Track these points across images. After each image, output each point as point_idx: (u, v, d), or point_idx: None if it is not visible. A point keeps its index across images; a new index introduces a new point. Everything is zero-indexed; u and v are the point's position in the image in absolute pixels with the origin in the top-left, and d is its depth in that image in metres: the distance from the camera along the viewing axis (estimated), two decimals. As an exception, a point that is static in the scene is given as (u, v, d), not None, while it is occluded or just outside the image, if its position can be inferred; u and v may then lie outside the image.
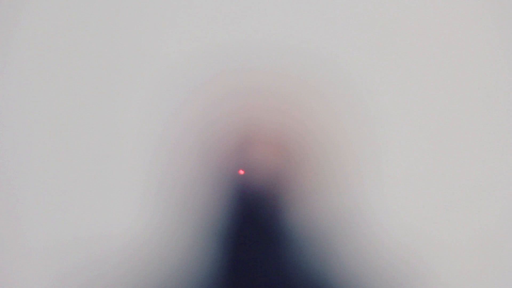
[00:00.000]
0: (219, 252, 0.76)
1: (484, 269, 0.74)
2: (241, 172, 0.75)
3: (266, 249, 0.75)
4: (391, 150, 0.76)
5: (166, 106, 0.80)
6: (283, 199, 0.75)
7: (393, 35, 0.75)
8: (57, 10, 0.82)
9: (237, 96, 0.77)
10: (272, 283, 0.75)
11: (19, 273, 0.82)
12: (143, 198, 0.79)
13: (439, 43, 0.74)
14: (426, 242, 0.75)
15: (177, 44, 0.79)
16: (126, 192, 0.80)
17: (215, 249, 0.76)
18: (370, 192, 0.76)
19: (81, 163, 0.82)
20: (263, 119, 0.76)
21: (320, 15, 0.76)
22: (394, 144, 0.75)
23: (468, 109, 0.74)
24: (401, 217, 0.76)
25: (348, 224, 0.76)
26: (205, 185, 0.77)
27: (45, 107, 0.83)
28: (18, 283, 0.81)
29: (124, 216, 0.80)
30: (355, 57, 0.76)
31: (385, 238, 0.75)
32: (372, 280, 0.75)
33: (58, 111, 0.82)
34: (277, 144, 0.75)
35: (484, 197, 0.74)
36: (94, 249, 0.80)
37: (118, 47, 0.80)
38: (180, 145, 0.79)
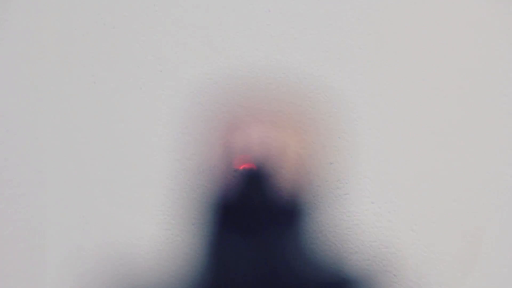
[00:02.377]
0: (221, 248, 0.76)
1: (481, 270, 0.73)
2: (243, 168, 0.76)
3: (266, 245, 0.76)
4: (388, 150, 0.76)
5: (175, 112, 0.81)
6: (284, 196, 0.76)
7: (391, 37, 0.76)
8: (60, 12, 0.84)
9: (238, 100, 0.78)
10: (273, 277, 0.75)
11: (41, 278, 0.82)
12: (162, 205, 0.80)
13: (437, 46, 0.74)
14: (423, 243, 0.75)
15: (180, 46, 0.81)
16: (145, 198, 0.80)
17: (218, 246, 0.77)
18: (367, 192, 0.77)
19: (100, 171, 0.83)
20: (264, 117, 0.77)
21: (319, 17, 0.78)
22: (391, 145, 0.76)
23: (465, 110, 0.73)
24: (397, 217, 0.76)
25: (343, 223, 0.76)
26: (208, 182, 0.78)
27: (63, 116, 0.84)
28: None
29: (145, 223, 0.80)
30: (353, 58, 0.76)
31: (382, 238, 0.76)
32: (369, 280, 0.75)
33: (80, 120, 0.84)
34: (277, 141, 0.76)
35: (481, 197, 0.73)
36: (113, 256, 0.81)
37: (126, 51, 0.82)
38: (189, 145, 0.80)
